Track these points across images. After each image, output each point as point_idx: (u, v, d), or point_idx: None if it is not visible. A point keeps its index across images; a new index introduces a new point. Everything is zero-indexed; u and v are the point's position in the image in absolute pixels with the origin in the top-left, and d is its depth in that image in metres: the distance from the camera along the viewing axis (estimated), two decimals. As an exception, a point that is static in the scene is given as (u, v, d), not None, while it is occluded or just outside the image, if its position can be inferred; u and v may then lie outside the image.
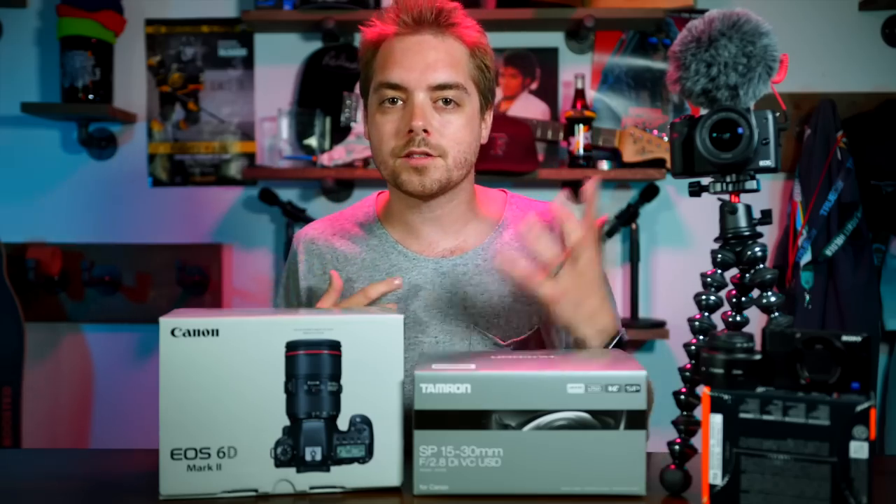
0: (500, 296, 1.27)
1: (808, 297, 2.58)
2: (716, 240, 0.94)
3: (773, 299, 0.90)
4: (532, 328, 1.27)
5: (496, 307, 1.26)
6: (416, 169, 1.20)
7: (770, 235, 2.69)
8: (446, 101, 1.21)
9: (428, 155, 1.20)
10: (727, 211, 0.92)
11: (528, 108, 2.71)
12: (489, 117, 1.31)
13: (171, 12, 2.76)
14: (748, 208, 0.92)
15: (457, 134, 1.21)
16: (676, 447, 0.94)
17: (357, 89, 2.59)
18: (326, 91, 2.65)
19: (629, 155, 2.56)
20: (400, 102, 1.21)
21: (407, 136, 1.19)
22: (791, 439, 0.77)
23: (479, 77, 1.25)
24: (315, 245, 1.35)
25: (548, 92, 2.73)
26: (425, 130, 1.18)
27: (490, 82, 1.28)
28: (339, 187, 2.68)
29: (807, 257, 2.57)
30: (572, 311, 1.06)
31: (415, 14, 1.21)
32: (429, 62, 1.20)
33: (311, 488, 0.91)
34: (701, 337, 0.94)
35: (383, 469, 0.92)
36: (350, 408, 0.92)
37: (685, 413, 0.95)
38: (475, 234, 1.31)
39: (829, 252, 2.56)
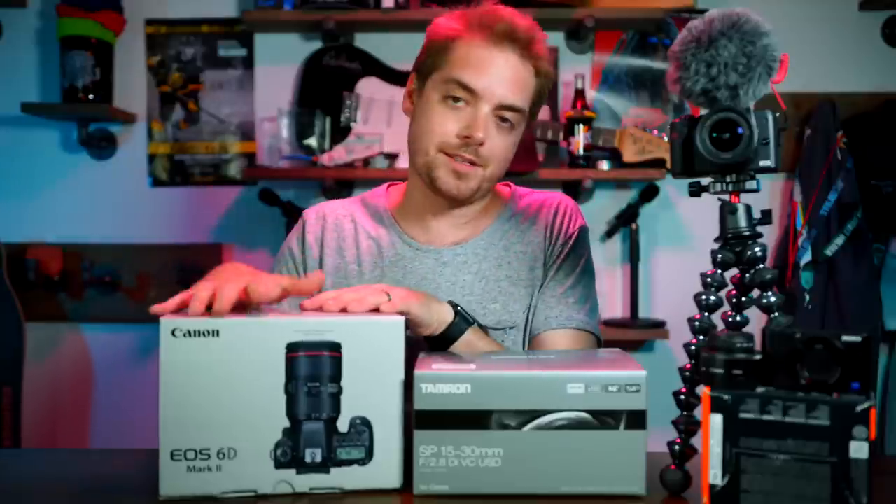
0: (496, 280, 1.30)
1: (808, 297, 2.58)
2: (716, 240, 0.94)
3: (773, 299, 0.90)
4: (525, 311, 1.30)
5: (492, 292, 1.29)
6: (457, 173, 1.24)
7: (770, 235, 2.69)
8: (503, 120, 1.25)
9: (473, 163, 1.24)
10: (727, 211, 0.92)
11: (528, 108, 2.71)
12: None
13: (171, 12, 2.76)
14: (748, 208, 0.92)
15: (503, 151, 1.27)
16: (676, 447, 0.94)
17: (357, 89, 2.62)
18: (326, 91, 2.65)
19: (629, 155, 2.56)
20: (463, 103, 1.24)
21: (463, 141, 1.23)
22: (791, 439, 0.77)
23: (536, 103, 1.30)
24: (326, 221, 1.37)
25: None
26: (480, 143, 1.22)
27: (539, 109, 1.33)
28: (339, 187, 2.68)
29: (807, 257, 2.57)
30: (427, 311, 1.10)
31: (508, 31, 1.23)
32: (506, 81, 1.23)
33: (311, 489, 0.91)
34: (701, 337, 0.94)
35: (383, 471, 0.92)
36: (350, 409, 0.92)
37: (685, 413, 0.95)
38: (480, 224, 1.35)
39: (829, 252, 2.56)
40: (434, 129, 1.24)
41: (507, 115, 1.24)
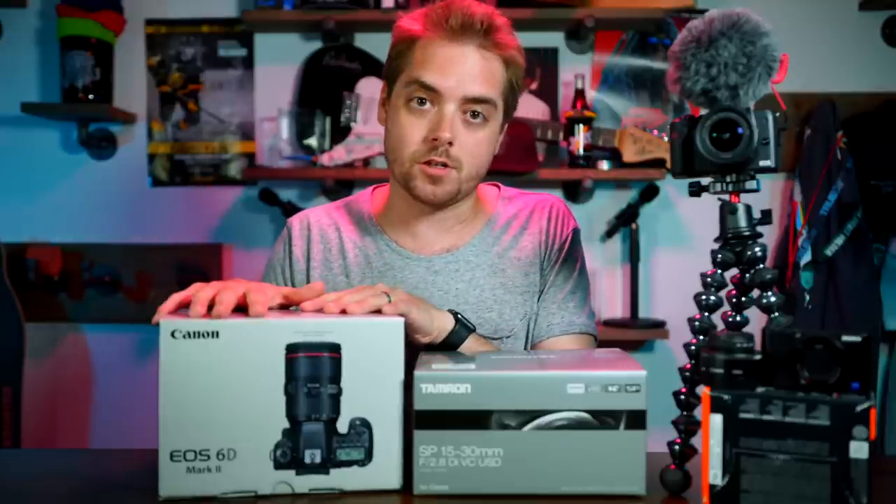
0: (491, 289, 1.28)
1: (808, 297, 2.58)
2: (716, 240, 0.93)
3: (773, 299, 0.90)
4: (523, 318, 1.28)
5: (487, 301, 1.27)
6: (432, 178, 1.20)
7: (770, 235, 2.69)
8: (474, 115, 1.21)
9: (445, 166, 1.20)
10: (727, 211, 0.92)
11: (529, 108, 2.70)
12: (505, 129, 1.31)
13: (171, 12, 2.76)
14: (748, 208, 0.92)
15: (476, 148, 1.22)
16: (676, 447, 0.94)
17: (357, 89, 2.62)
18: (326, 91, 2.65)
19: (629, 155, 2.56)
20: (428, 105, 1.20)
21: (431, 144, 1.19)
22: (791, 439, 0.77)
23: (509, 94, 1.25)
24: (311, 232, 1.34)
25: (548, 92, 2.73)
26: (450, 143, 1.18)
27: (516, 99, 1.28)
28: (339, 187, 2.68)
29: (807, 257, 2.57)
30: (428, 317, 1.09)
31: (465, 22, 1.19)
32: (468, 74, 1.19)
33: (311, 490, 0.91)
34: (701, 337, 0.94)
35: (383, 472, 0.92)
36: (350, 410, 0.92)
37: (685, 413, 0.95)
38: (469, 230, 1.32)
39: (829, 252, 2.56)
40: (404, 138, 1.20)
41: (477, 108, 1.20)
